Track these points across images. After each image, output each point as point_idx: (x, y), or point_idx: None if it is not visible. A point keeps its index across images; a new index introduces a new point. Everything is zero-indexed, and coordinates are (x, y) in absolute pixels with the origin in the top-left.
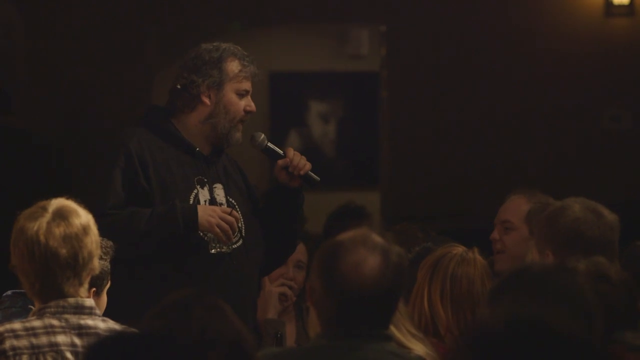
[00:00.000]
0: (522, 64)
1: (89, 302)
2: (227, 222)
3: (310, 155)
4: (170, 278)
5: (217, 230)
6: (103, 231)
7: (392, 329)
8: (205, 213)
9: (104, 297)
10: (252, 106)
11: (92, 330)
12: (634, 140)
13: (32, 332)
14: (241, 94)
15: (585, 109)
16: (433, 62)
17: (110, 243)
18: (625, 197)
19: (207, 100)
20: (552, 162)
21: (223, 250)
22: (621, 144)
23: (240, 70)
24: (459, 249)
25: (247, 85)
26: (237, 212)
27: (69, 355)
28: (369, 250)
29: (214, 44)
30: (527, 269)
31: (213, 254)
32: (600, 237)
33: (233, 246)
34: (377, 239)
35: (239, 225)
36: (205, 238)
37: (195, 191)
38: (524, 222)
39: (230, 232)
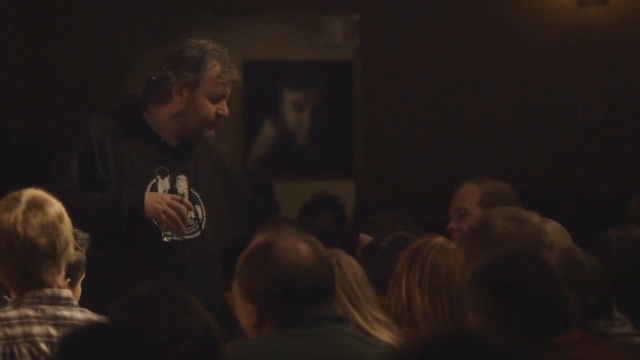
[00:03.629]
0: (496, 52)
1: (66, 292)
2: (175, 209)
3: (284, 144)
4: (125, 266)
5: (164, 217)
6: None
7: (356, 315)
8: (152, 199)
9: (79, 288)
10: (225, 110)
11: (69, 321)
12: (607, 129)
13: (6, 322)
14: (215, 98)
15: (558, 99)
16: (407, 51)
17: (86, 235)
18: (600, 188)
19: (178, 99)
20: (525, 150)
21: (175, 238)
22: (596, 134)
23: (218, 76)
24: (440, 239)
25: (223, 90)
26: (200, 203)
27: (43, 346)
28: (294, 239)
29: (201, 41)
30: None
31: (166, 242)
32: (528, 243)
33: (189, 236)
34: (291, 229)
35: (196, 215)
36: (158, 226)
37: (154, 181)
38: (478, 206)
39: (179, 219)
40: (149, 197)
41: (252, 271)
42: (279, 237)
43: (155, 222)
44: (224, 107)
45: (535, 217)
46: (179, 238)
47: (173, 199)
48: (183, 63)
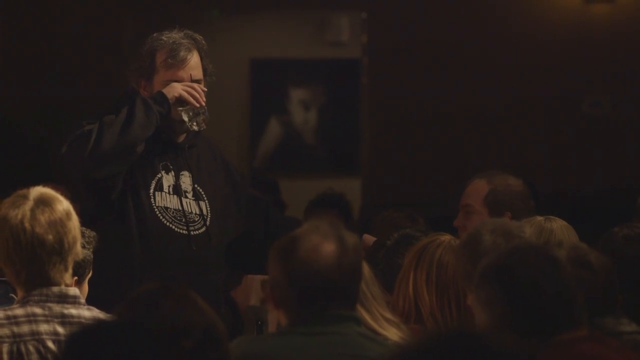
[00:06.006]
0: (503, 51)
1: (73, 291)
2: (190, 87)
3: (291, 142)
4: (131, 264)
5: (185, 93)
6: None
7: (364, 314)
8: (168, 87)
9: (86, 286)
10: None
11: (76, 319)
12: (614, 125)
13: (14, 320)
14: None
15: (565, 96)
16: (413, 48)
17: (93, 233)
18: (605, 183)
19: (143, 91)
20: (531, 148)
21: (201, 126)
22: (601, 130)
23: (164, 60)
24: (447, 237)
25: (174, 75)
26: (204, 199)
27: (50, 344)
28: (322, 237)
29: (164, 32)
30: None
31: (174, 236)
32: None
33: (194, 232)
34: (328, 227)
35: (200, 212)
36: (183, 115)
37: (159, 175)
38: (484, 205)
39: (197, 95)
40: (164, 89)
41: (274, 262)
42: (308, 233)
43: (162, 219)
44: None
45: (526, 230)
46: (202, 124)
47: (184, 82)
48: (142, 55)
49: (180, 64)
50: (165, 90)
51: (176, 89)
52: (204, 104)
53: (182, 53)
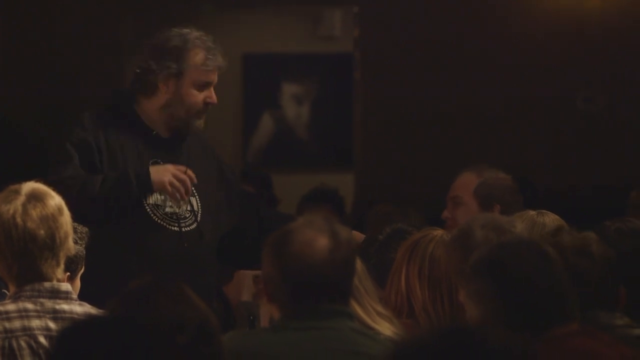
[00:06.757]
0: (503, 51)
1: (65, 286)
2: (179, 180)
3: (284, 137)
4: (123, 260)
5: (170, 188)
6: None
7: (357, 308)
8: (158, 172)
9: (78, 282)
10: (213, 98)
11: (68, 315)
12: (608, 121)
13: (5, 316)
14: (201, 86)
15: (558, 91)
16: (406, 43)
17: (85, 229)
18: (600, 180)
19: (164, 89)
20: (531, 147)
21: (177, 210)
22: (595, 126)
23: (203, 63)
24: (439, 231)
25: (209, 77)
26: (195, 195)
27: (42, 339)
28: (316, 231)
29: (184, 30)
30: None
31: (165, 231)
32: None
33: (185, 229)
34: (323, 221)
35: (191, 208)
36: (161, 196)
37: None
38: (472, 197)
39: (182, 190)
40: (154, 170)
41: (267, 257)
42: (302, 227)
43: (159, 194)
44: (211, 95)
45: (517, 225)
46: (179, 210)
47: (178, 169)
48: (166, 53)
49: (216, 68)
50: (154, 179)
51: (166, 186)
52: (186, 200)
53: (219, 58)
